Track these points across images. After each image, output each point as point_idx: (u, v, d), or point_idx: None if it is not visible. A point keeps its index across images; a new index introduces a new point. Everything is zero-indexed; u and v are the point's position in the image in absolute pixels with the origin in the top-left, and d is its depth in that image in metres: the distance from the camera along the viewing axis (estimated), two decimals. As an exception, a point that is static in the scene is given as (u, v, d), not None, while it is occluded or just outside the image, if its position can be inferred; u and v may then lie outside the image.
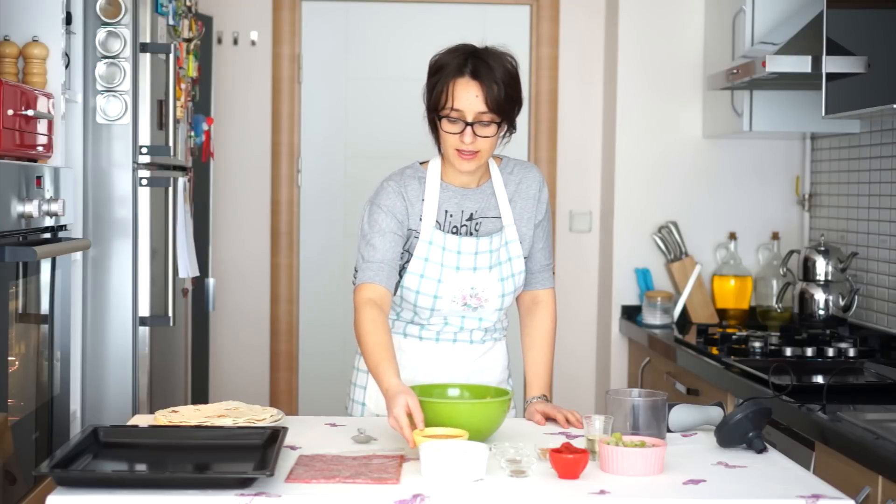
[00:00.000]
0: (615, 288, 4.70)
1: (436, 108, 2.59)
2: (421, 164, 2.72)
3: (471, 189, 2.69)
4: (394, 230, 2.62)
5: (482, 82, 2.54)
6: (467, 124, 2.55)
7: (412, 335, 2.73)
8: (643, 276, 4.63)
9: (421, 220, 2.65)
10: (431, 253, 2.64)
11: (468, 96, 2.54)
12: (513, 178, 2.73)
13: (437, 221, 2.66)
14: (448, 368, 2.72)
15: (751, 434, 2.33)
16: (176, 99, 3.78)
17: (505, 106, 2.56)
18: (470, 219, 2.69)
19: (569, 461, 2.09)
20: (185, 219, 3.93)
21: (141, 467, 2.19)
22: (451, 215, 2.67)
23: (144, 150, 3.59)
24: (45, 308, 3.09)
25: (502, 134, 2.63)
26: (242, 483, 1.98)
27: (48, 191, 3.02)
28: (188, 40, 4.05)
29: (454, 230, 2.67)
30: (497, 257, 2.68)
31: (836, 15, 3.29)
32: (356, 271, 2.64)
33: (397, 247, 2.62)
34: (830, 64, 3.26)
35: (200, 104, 4.52)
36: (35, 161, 3.06)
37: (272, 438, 2.24)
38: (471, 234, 2.68)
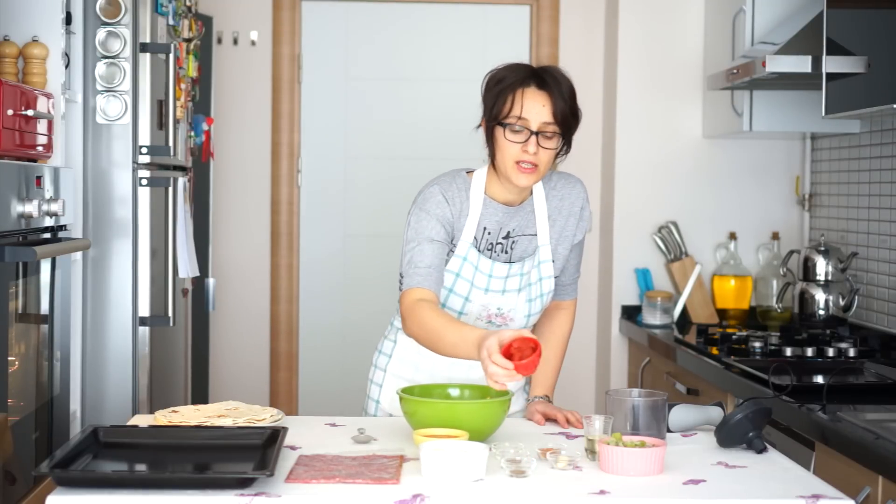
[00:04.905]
0: (615, 288, 4.70)
1: (497, 117, 2.54)
2: (466, 172, 2.67)
3: (513, 207, 2.64)
4: (442, 238, 2.58)
5: (550, 93, 2.53)
6: (532, 133, 2.52)
7: None
8: (643, 276, 4.63)
9: (460, 232, 2.61)
10: (464, 269, 2.60)
11: (535, 105, 2.52)
12: (555, 193, 2.68)
13: (475, 237, 2.62)
14: (450, 365, 2.68)
15: (751, 434, 2.33)
16: (176, 99, 3.78)
17: (569, 120, 2.54)
18: (507, 237, 2.64)
19: (525, 366, 2.17)
20: (185, 219, 3.92)
21: (141, 467, 2.19)
22: (489, 232, 2.63)
23: (144, 150, 3.59)
24: (45, 308, 3.09)
25: (559, 152, 2.59)
26: (242, 483, 1.98)
27: (48, 191, 3.02)
28: (188, 40, 4.05)
29: (489, 247, 2.63)
30: (528, 279, 2.65)
31: (836, 15, 3.29)
32: (402, 277, 2.59)
33: (443, 254, 2.58)
34: (830, 64, 3.26)
35: (200, 104, 4.52)
36: (35, 161, 3.06)
37: (272, 438, 2.24)
38: (505, 252, 2.64)
